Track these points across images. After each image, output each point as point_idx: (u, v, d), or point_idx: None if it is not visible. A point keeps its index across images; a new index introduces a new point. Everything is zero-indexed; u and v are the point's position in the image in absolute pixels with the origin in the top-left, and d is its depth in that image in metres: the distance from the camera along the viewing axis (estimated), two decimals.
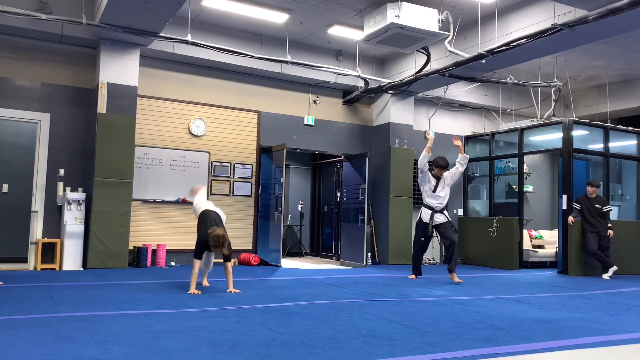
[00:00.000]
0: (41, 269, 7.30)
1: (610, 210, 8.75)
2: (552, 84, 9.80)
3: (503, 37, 7.60)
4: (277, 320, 4.15)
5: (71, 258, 7.37)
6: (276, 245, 8.95)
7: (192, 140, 8.84)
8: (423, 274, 7.76)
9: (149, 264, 8.02)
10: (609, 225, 8.57)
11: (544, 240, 10.69)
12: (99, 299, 4.92)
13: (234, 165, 9.17)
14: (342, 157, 10.32)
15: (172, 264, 8.48)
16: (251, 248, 9.22)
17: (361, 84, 9.58)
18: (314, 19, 8.23)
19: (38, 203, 7.60)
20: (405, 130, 10.18)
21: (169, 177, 8.61)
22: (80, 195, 7.48)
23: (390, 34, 6.95)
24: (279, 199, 8.94)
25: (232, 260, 8.87)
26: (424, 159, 7.47)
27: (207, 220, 5.79)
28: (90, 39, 7.69)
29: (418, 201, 10.71)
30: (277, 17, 8.13)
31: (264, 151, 9.43)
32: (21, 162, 8.35)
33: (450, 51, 7.72)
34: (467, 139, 11.44)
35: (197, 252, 5.70)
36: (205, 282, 6.13)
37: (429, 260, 10.66)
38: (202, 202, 6.29)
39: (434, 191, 7.49)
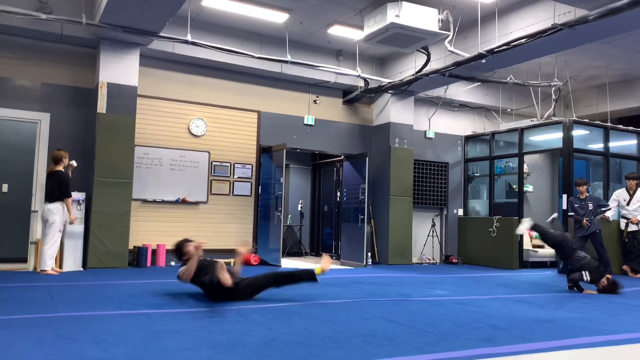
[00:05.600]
0: (41, 269, 7.29)
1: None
2: (552, 83, 9.80)
3: (503, 37, 7.60)
4: (277, 320, 4.15)
5: (71, 258, 7.36)
6: (276, 245, 8.95)
7: (192, 140, 8.84)
8: (423, 274, 7.76)
9: (149, 264, 8.01)
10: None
11: None
12: (99, 299, 4.92)
13: (234, 165, 9.17)
14: (342, 157, 10.32)
15: (172, 263, 8.47)
16: (251, 248, 9.21)
17: (361, 83, 9.58)
18: (314, 18, 8.22)
19: (38, 203, 7.59)
20: (405, 130, 10.18)
21: (169, 177, 8.61)
22: (80, 195, 7.48)
23: (390, 33, 6.95)
24: (279, 199, 8.94)
25: (233, 260, 8.88)
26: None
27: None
28: (90, 39, 7.69)
29: (418, 201, 10.74)
30: (277, 17, 8.13)
31: (264, 151, 9.43)
32: (21, 162, 8.34)
33: (450, 51, 7.71)
34: (467, 139, 11.44)
35: None
36: None
37: (429, 260, 10.66)
38: None
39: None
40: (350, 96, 10.12)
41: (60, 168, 7.04)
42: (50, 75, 7.86)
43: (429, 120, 11.01)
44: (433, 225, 10.81)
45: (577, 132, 9.36)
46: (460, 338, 3.72)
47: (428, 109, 11.02)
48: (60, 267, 7.32)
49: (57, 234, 6.92)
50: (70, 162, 7.18)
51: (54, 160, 7.10)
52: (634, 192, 8.87)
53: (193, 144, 8.84)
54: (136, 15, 6.83)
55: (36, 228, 7.55)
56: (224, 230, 8.90)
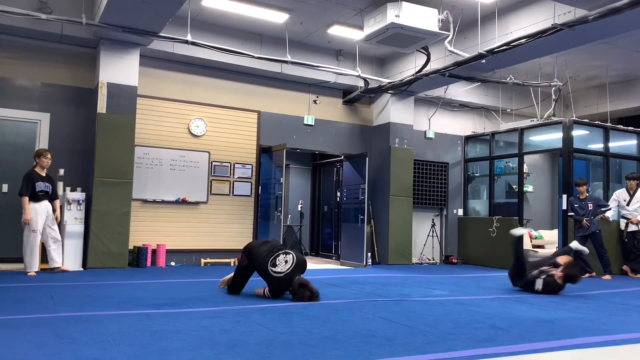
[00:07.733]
0: (41, 269, 7.28)
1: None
2: (552, 84, 9.80)
3: (503, 37, 7.60)
4: (277, 320, 4.15)
5: (71, 258, 7.36)
6: None
7: (192, 140, 8.84)
8: (423, 274, 7.75)
9: (149, 264, 8.02)
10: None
11: (544, 240, 10.68)
12: (99, 299, 4.92)
13: (234, 165, 9.17)
14: (342, 157, 10.32)
15: (172, 264, 8.48)
16: None
17: (361, 83, 9.58)
18: (314, 18, 8.22)
19: None
20: (405, 130, 10.18)
21: (169, 177, 8.61)
22: (80, 195, 7.48)
23: (390, 33, 6.95)
24: (278, 199, 8.94)
25: (233, 260, 8.88)
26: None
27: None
28: (90, 39, 7.69)
29: (418, 201, 10.74)
30: (277, 17, 8.13)
31: (264, 151, 9.43)
32: (21, 162, 8.32)
33: (450, 51, 7.71)
34: (467, 139, 11.44)
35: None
36: None
37: (429, 260, 10.66)
38: None
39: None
40: (350, 96, 10.12)
41: (36, 168, 7.01)
42: (50, 75, 7.86)
43: (429, 120, 11.01)
44: (433, 225, 10.81)
45: (577, 132, 9.36)
46: (460, 338, 3.72)
47: (428, 109, 11.02)
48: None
49: (30, 234, 6.81)
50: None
51: None
52: (634, 192, 8.87)
53: (193, 144, 8.84)
54: (136, 15, 6.83)
55: None
56: (224, 230, 8.91)
